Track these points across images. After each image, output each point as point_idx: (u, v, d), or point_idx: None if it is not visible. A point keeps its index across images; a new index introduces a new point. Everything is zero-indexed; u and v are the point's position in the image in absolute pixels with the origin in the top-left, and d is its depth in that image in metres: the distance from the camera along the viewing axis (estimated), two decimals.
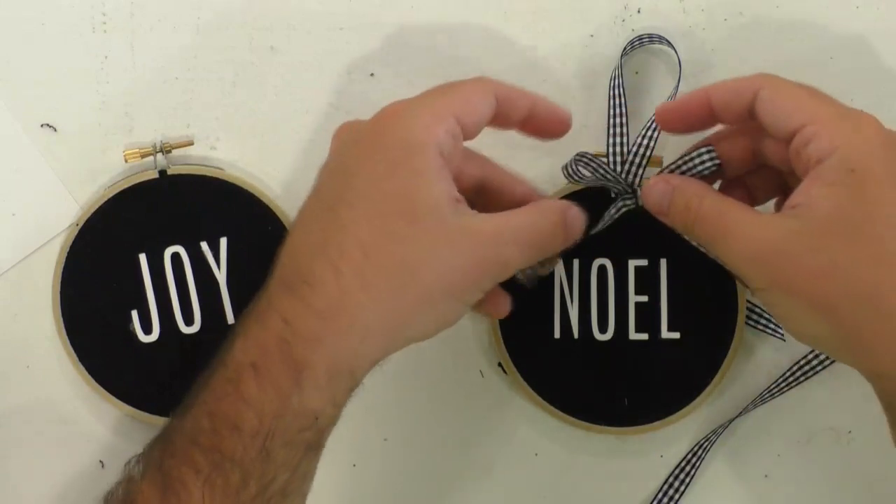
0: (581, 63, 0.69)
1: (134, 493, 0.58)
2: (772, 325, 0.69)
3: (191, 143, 0.68)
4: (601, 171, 0.64)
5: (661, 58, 0.69)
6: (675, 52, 0.67)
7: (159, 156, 0.68)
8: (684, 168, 0.62)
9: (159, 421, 0.68)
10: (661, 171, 0.63)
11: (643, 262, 0.67)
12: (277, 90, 0.69)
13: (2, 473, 0.71)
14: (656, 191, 0.61)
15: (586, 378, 0.68)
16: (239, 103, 0.69)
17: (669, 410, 0.68)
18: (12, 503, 0.71)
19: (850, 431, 0.72)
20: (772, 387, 0.70)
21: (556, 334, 0.68)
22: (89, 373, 0.68)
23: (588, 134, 0.69)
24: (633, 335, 0.68)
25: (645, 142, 0.65)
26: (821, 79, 0.69)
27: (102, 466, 0.71)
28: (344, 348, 0.56)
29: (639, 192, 0.65)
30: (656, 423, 0.69)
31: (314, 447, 0.57)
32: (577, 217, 0.61)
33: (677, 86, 0.67)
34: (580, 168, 0.64)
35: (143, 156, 0.67)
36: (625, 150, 0.65)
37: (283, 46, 0.69)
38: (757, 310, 0.69)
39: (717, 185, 0.63)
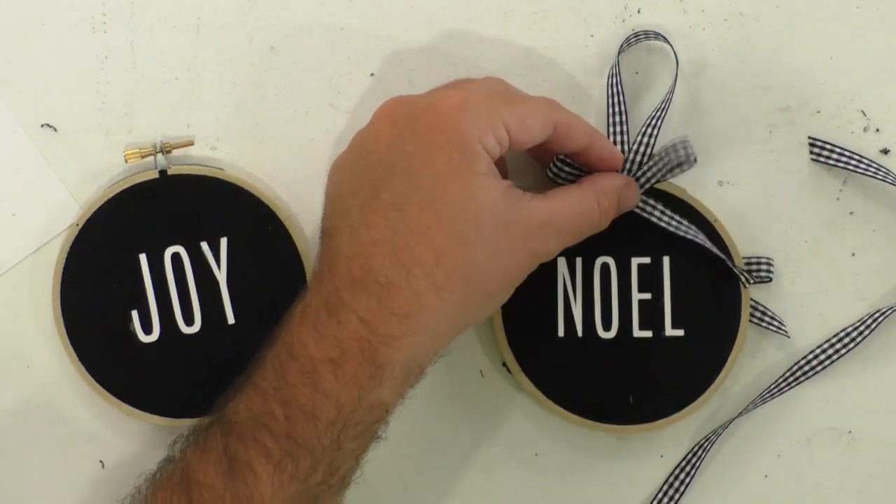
0: (581, 63, 0.69)
1: (194, 473, 0.59)
2: (776, 322, 0.69)
3: (191, 144, 0.68)
4: (584, 170, 0.65)
5: (661, 57, 0.69)
6: (672, 48, 0.67)
7: (159, 156, 0.68)
8: (662, 163, 0.64)
9: (159, 421, 0.68)
10: (642, 169, 0.65)
11: (646, 260, 0.67)
12: (277, 90, 0.69)
13: (2, 473, 0.71)
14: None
15: (591, 376, 0.68)
16: (239, 103, 0.69)
17: (675, 407, 0.68)
18: (12, 503, 0.71)
19: (850, 431, 0.72)
20: (772, 387, 0.70)
21: (560, 333, 0.68)
22: (89, 373, 0.68)
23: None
24: (637, 333, 0.68)
25: (645, 139, 0.65)
26: (821, 79, 0.69)
27: (102, 466, 0.71)
28: (419, 346, 0.59)
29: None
30: (661, 421, 0.68)
31: (377, 437, 0.60)
32: (631, 196, 0.65)
33: (674, 82, 0.67)
34: (562, 168, 0.65)
35: (144, 156, 0.67)
36: (624, 147, 0.66)
37: (283, 46, 0.69)
38: (760, 307, 0.69)
39: None
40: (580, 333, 0.68)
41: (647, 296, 0.68)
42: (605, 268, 0.68)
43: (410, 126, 0.59)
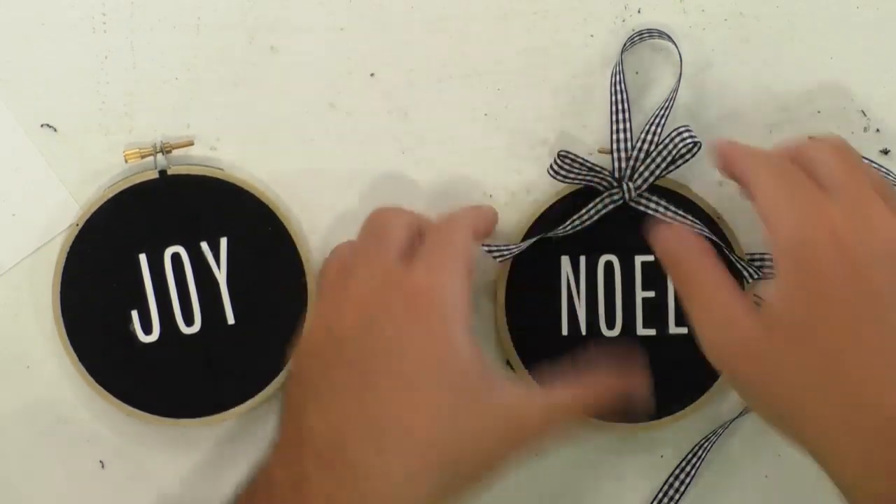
0: (581, 63, 0.69)
1: None
2: None
3: (191, 144, 0.68)
4: (585, 167, 0.65)
5: (662, 56, 0.69)
6: (676, 46, 0.67)
7: (159, 156, 0.68)
8: (666, 151, 0.63)
9: (159, 421, 0.68)
10: (645, 163, 0.64)
11: (650, 258, 0.67)
12: (277, 90, 0.69)
13: (2, 473, 0.71)
14: (666, 234, 0.62)
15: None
16: (239, 103, 0.69)
17: (679, 405, 0.68)
18: (12, 503, 0.71)
19: None
20: None
21: (564, 331, 0.68)
22: (89, 373, 0.68)
23: (588, 134, 0.69)
24: (641, 331, 0.68)
25: (648, 137, 0.65)
26: (821, 79, 0.69)
27: (102, 466, 0.71)
28: None
29: (625, 187, 0.65)
30: (666, 419, 0.68)
31: None
32: (641, 391, 0.63)
33: (678, 82, 0.67)
34: (563, 165, 0.65)
35: (144, 156, 0.67)
36: (628, 145, 0.65)
37: (283, 46, 0.69)
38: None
39: None
40: (584, 332, 0.68)
41: (651, 294, 0.68)
42: (608, 266, 0.67)
43: (383, 311, 0.57)
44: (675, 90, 0.67)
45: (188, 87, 0.69)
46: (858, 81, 0.70)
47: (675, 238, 0.61)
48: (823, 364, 0.54)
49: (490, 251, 0.66)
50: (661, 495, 0.71)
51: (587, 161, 0.65)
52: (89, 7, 0.68)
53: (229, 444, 0.71)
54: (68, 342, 0.67)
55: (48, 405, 0.70)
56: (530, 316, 0.67)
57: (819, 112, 0.69)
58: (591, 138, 0.69)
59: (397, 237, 0.61)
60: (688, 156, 0.65)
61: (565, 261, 0.68)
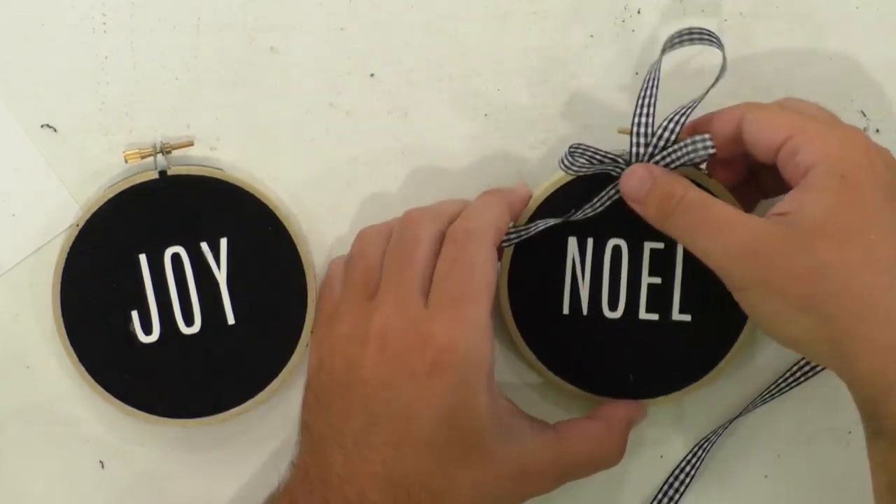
0: (581, 63, 0.69)
1: None
2: None
3: (191, 144, 0.68)
4: (598, 156, 0.64)
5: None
6: (722, 51, 0.65)
7: (159, 156, 0.67)
8: (681, 152, 0.62)
9: (159, 421, 0.68)
10: (661, 154, 0.63)
11: (659, 245, 0.67)
12: (277, 90, 0.69)
13: (2, 473, 0.71)
14: (635, 177, 0.63)
15: (592, 352, 0.68)
16: (239, 103, 0.69)
17: (674, 387, 0.68)
18: (12, 503, 0.71)
19: (850, 431, 0.72)
20: (772, 387, 0.70)
21: (566, 310, 0.68)
22: (89, 373, 0.68)
23: (589, 134, 0.69)
24: (644, 315, 0.67)
25: (671, 126, 0.63)
26: (821, 79, 0.69)
27: (102, 466, 0.71)
28: None
29: None
30: (660, 398, 0.68)
31: None
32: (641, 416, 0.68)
33: (715, 82, 0.64)
34: (577, 158, 0.64)
35: (144, 156, 0.67)
36: (648, 130, 0.64)
37: (283, 46, 0.69)
38: None
39: None
40: (585, 312, 0.68)
41: (658, 280, 0.67)
42: (616, 250, 0.67)
43: (402, 367, 0.59)
44: (709, 89, 0.65)
45: (188, 87, 0.68)
46: (858, 81, 0.70)
47: (665, 179, 0.62)
48: (865, 258, 0.57)
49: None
50: (660, 495, 0.71)
51: (600, 150, 0.64)
52: (89, 7, 0.68)
53: (229, 444, 0.71)
54: (68, 342, 0.67)
55: (48, 405, 0.70)
56: (532, 293, 0.67)
57: None
58: (592, 139, 0.69)
59: (422, 261, 0.62)
60: (701, 164, 0.64)
61: (572, 241, 0.67)
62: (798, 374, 0.70)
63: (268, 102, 0.69)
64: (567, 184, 0.66)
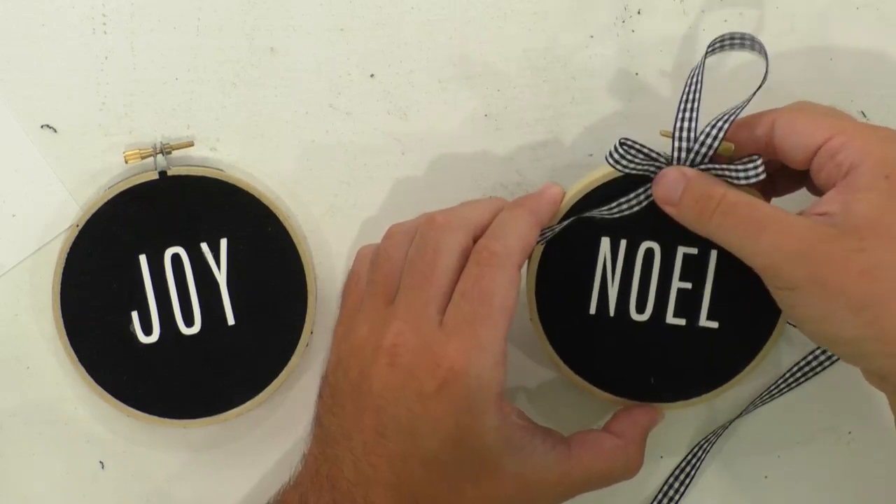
0: (581, 64, 0.69)
1: None
2: None
3: (191, 144, 0.68)
4: (643, 152, 0.63)
5: (662, 58, 0.69)
6: (766, 58, 0.64)
7: (159, 156, 0.67)
8: (731, 174, 0.61)
9: (159, 421, 0.68)
10: (712, 161, 0.62)
11: (693, 251, 0.66)
12: (277, 90, 0.69)
13: (2, 473, 0.71)
14: (668, 179, 0.62)
15: (615, 352, 0.67)
16: (239, 103, 0.69)
17: (695, 394, 0.68)
18: (12, 503, 0.71)
19: (850, 431, 0.72)
20: (771, 387, 0.70)
21: (592, 310, 0.67)
22: (89, 373, 0.68)
23: (588, 135, 0.69)
24: (671, 319, 0.67)
25: (713, 132, 0.62)
26: (821, 79, 0.69)
27: (102, 467, 0.71)
28: None
29: None
30: (679, 403, 0.68)
31: None
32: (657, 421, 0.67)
33: (757, 89, 0.63)
34: (626, 152, 0.63)
35: (144, 157, 0.67)
36: (691, 135, 0.63)
37: (283, 46, 0.69)
38: None
39: None
40: (612, 313, 0.67)
41: (688, 285, 0.66)
42: (649, 253, 0.66)
43: (411, 384, 0.59)
44: (752, 95, 0.63)
45: (188, 87, 0.68)
46: (858, 81, 0.70)
47: (700, 180, 0.62)
48: None
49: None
50: (660, 495, 0.71)
51: (645, 147, 0.62)
52: (89, 7, 0.68)
53: (229, 444, 0.71)
54: (68, 342, 0.67)
55: (48, 405, 0.70)
56: (559, 289, 0.66)
57: None
58: (592, 139, 0.69)
59: (441, 277, 0.61)
60: (749, 181, 0.63)
61: (605, 241, 0.66)
62: (798, 374, 0.70)
63: (268, 102, 0.69)
64: (605, 183, 0.65)
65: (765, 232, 0.59)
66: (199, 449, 0.71)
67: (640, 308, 0.67)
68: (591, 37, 0.69)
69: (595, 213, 0.65)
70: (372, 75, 0.69)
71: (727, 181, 0.62)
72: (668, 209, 0.62)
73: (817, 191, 0.62)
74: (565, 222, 0.65)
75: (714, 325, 0.66)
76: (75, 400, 0.70)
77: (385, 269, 0.63)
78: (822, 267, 0.57)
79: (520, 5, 0.69)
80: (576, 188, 0.65)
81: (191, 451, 0.71)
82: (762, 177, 0.61)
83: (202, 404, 0.68)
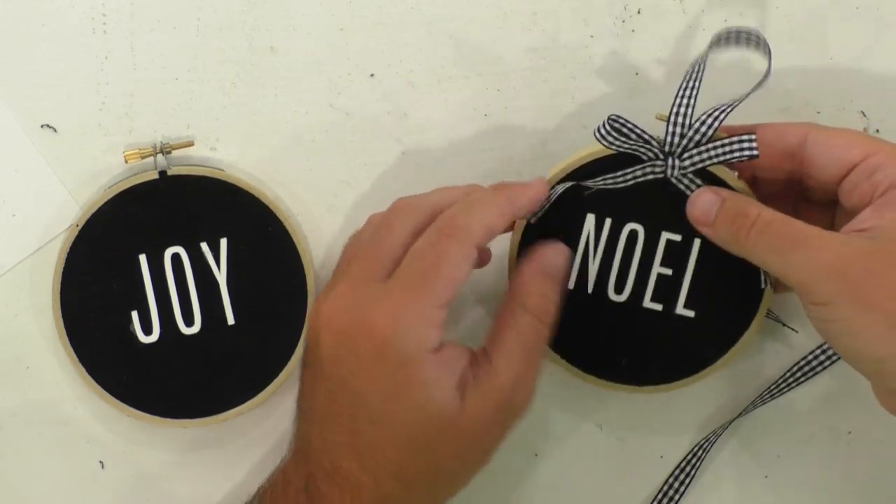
0: (581, 63, 0.69)
1: None
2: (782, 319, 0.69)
3: (191, 144, 0.68)
4: (635, 133, 0.63)
5: (663, 55, 0.69)
6: (769, 57, 0.64)
7: (159, 156, 0.67)
8: (723, 150, 0.62)
9: (159, 421, 0.68)
10: (698, 148, 0.62)
11: (676, 237, 0.66)
12: (277, 90, 0.69)
13: (1, 474, 0.71)
14: (703, 199, 0.63)
15: (589, 331, 0.67)
16: (239, 103, 0.69)
17: (665, 380, 0.67)
18: (12, 503, 0.71)
19: (849, 431, 0.72)
20: (771, 387, 0.70)
21: (570, 286, 0.67)
22: (89, 373, 0.68)
23: (587, 135, 0.69)
24: (647, 303, 0.67)
25: (709, 121, 0.62)
26: (821, 80, 0.69)
27: (102, 467, 0.71)
28: None
29: (670, 162, 0.63)
30: (647, 388, 0.67)
31: None
32: (559, 257, 0.64)
33: (759, 84, 0.63)
34: (613, 129, 0.63)
35: (144, 156, 0.67)
36: (686, 121, 0.63)
37: (283, 46, 0.69)
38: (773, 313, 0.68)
39: None
40: (590, 290, 0.67)
41: (668, 272, 0.67)
42: (632, 234, 0.66)
43: (349, 345, 0.60)
44: (751, 91, 0.64)
45: (188, 87, 0.69)
46: (858, 81, 0.70)
47: (735, 199, 0.62)
48: None
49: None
50: (660, 495, 0.71)
51: (637, 127, 0.63)
52: (89, 7, 0.68)
53: (229, 444, 0.71)
54: (68, 342, 0.67)
55: (48, 405, 0.70)
56: None
57: (819, 112, 0.69)
58: (592, 138, 0.69)
59: (386, 248, 0.62)
60: (742, 161, 0.63)
61: (590, 218, 0.66)
62: (798, 374, 0.70)
63: (268, 102, 0.69)
64: (596, 160, 0.65)
65: (801, 247, 0.59)
66: (199, 449, 0.71)
67: (619, 289, 0.67)
68: (591, 37, 0.69)
69: (584, 184, 0.64)
70: (372, 75, 0.69)
71: (723, 159, 0.62)
72: (704, 230, 0.63)
73: (844, 213, 0.63)
74: (556, 193, 0.64)
75: (690, 314, 0.67)
76: (75, 400, 0.70)
77: (348, 251, 0.65)
78: (860, 282, 0.57)
79: (520, 5, 0.69)
80: (562, 165, 0.66)
81: (191, 451, 0.71)
82: (756, 153, 0.61)
83: (202, 404, 0.68)
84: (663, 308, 0.67)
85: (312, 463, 0.61)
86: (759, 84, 0.63)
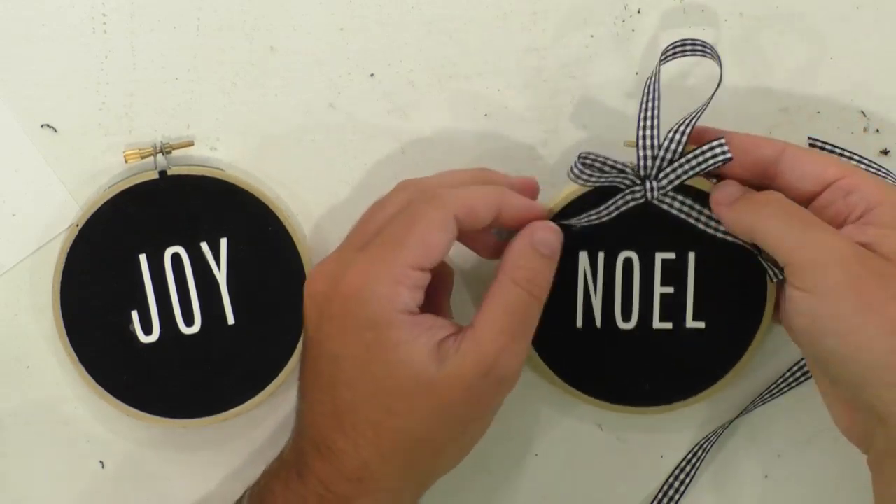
0: (581, 63, 0.69)
1: None
2: None
3: (191, 144, 0.68)
4: (608, 165, 0.62)
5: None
6: (718, 58, 0.64)
7: (159, 156, 0.68)
8: (696, 161, 0.61)
9: (159, 421, 0.68)
10: (677, 160, 0.62)
11: (670, 256, 0.67)
12: (277, 90, 0.69)
13: (2, 473, 0.71)
14: (730, 184, 0.63)
15: (608, 363, 0.68)
16: (239, 103, 0.69)
17: (691, 393, 0.68)
18: (12, 503, 0.71)
19: None
20: (772, 387, 0.70)
21: (579, 324, 0.67)
22: (89, 373, 0.68)
23: (588, 136, 0.69)
24: (657, 324, 0.67)
25: (677, 137, 0.62)
26: (821, 80, 0.69)
27: (102, 466, 0.71)
28: (381, 502, 0.61)
29: (648, 185, 0.63)
30: (676, 404, 0.68)
31: None
32: (549, 235, 0.62)
33: (714, 92, 0.64)
34: (587, 167, 0.62)
35: (144, 156, 0.67)
36: (655, 143, 0.63)
37: (283, 46, 0.69)
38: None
39: None
40: (599, 325, 0.68)
41: (670, 290, 0.67)
42: (627, 262, 0.67)
43: (326, 310, 0.60)
44: (709, 100, 0.64)
45: (188, 87, 0.69)
46: (858, 81, 0.70)
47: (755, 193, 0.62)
48: None
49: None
50: (660, 495, 0.71)
51: (609, 160, 0.62)
52: (89, 7, 0.68)
53: (229, 444, 0.71)
54: (68, 342, 0.67)
55: (48, 405, 0.70)
56: (545, 308, 0.66)
57: (819, 112, 0.69)
58: (592, 139, 0.69)
59: (373, 220, 0.62)
60: (716, 169, 0.63)
61: (583, 256, 0.67)
62: (798, 373, 0.70)
63: (268, 102, 0.69)
64: (579, 197, 0.65)
65: (817, 226, 0.60)
66: (199, 449, 0.71)
67: (626, 316, 0.67)
68: (592, 36, 0.69)
69: (570, 222, 0.65)
70: (372, 75, 0.69)
71: (698, 170, 0.62)
72: (721, 209, 0.63)
73: None
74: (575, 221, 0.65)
75: (701, 325, 0.67)
76: (75, 400, 0.70)
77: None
78: (868, 277, 0.58)
79: (520, 5, 0.69)
80: (553, 202, 0.66)
81: (191, 451, 0.71)
82: (729, 156, 0.61)
83: (202, 404, 0.68)
84: (674, 325, 0.67)
85: (304, 438, 0.61)
86: (714, 91, 0.63)
